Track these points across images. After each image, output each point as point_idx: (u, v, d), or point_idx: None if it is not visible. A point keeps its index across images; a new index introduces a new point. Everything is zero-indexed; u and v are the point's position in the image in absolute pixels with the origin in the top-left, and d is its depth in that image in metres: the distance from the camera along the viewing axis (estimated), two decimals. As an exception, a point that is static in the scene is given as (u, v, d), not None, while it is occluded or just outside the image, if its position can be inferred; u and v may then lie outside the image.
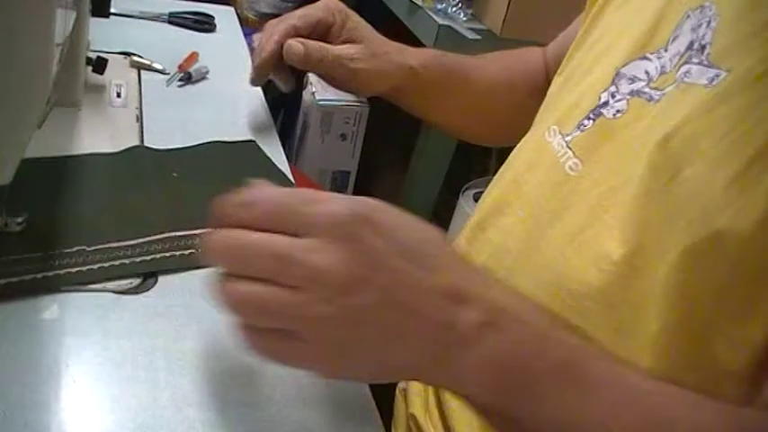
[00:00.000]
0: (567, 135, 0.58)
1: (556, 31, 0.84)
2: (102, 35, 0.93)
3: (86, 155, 0.74)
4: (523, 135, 0.69)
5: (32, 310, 0.56)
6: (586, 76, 0.60)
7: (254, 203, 0.40)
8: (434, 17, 1.44)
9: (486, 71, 0.87)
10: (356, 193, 1.83)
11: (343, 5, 0.83)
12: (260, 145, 0.83)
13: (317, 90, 1.71)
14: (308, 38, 0.81)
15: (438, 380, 0.43)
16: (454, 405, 0.62)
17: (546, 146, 0.60)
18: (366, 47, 0.81)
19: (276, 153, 0.83)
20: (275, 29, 0.82)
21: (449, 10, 1.45)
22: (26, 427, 0.47)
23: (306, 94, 1.76)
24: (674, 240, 0.48)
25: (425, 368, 0.41)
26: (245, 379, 0.55)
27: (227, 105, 0.93)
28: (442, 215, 1.62)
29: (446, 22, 1.43)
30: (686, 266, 0.47)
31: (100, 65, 0.85)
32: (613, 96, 0.56)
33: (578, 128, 0.58)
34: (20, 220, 0.61)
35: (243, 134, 0.84)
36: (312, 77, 1.77)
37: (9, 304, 0.55)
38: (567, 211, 0.56)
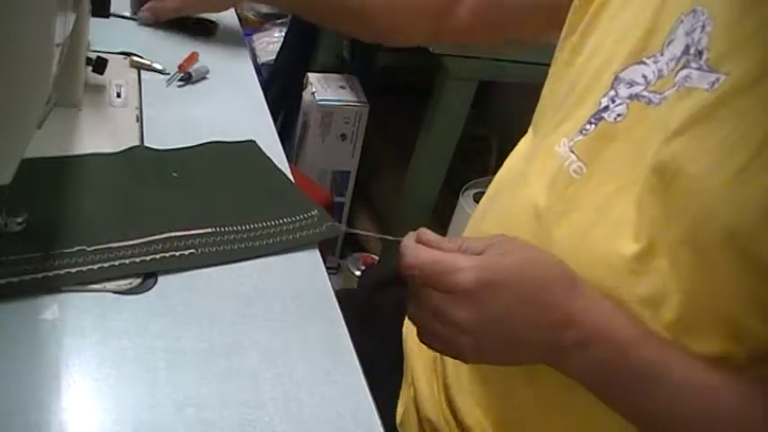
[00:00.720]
0: (571, 140, 0.59)
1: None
2: (102, 35, 0.93)
3: (86, 155, 0.74)
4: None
5: (32, 310, 0.56)
6: (589, 85, 0.61)
7: (414, 267, 0.55)
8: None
9: None
10: (356, 192, 1.83)
11: None
12: (260, 145, 0.83)
13: (317, 90, 1.71)
14: None
15: (555, 368, 0.55)
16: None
17: (554, 154, 0.61)
18: None
19: (276, 153, 0.83)
20: None
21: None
22: (26, 427, 0.47)
23: (306, 94, 1.76)
24: (680, 237, 0.50)
25: (545, 361, 0.55)
26: (245, 379, 0.55)
27: (227, 105, 0.93)
28: (442, 215, 1.62)
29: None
30: (693, 263, 0.49)
31: (100, 65, 0.85)
32: (613, 101, 0.57)
33: (581, 132, 0.59)
34: (20, 220, 0.61)
35: (243, 134, 0.84)
36: (312, 77, 1.77)
37: (9, 304, 0.55)
38: (573, 212, 0.57)
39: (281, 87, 1.93)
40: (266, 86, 1.64)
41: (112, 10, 0.84)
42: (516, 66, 1.40)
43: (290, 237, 0.69)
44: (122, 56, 0.96)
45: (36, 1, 0.42)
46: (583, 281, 0.54)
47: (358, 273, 1.71)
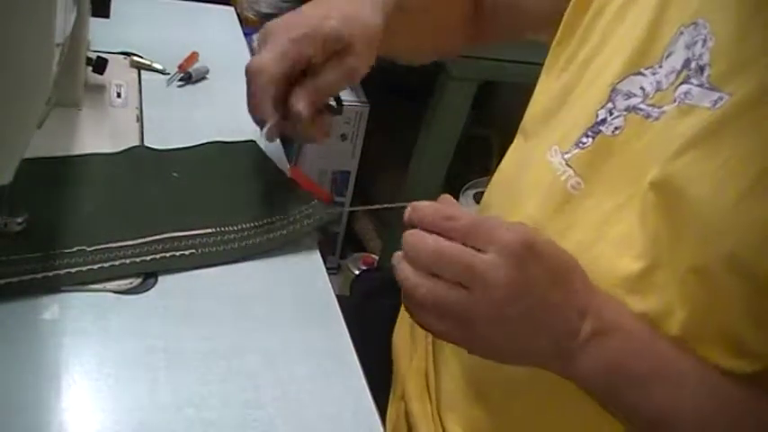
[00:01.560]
0: (566, 153, 0.58)
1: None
2: (102, 35, 0.93)
3: (86, 155, 0.74)
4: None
5: (32, 310, 0.56)
6: (584, 94, 0.60)
7: (456, 218, 0.50)
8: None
9: None
10: (356, 193, 1.83)
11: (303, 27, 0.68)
12: (260, 145, 0.83)
13: (317, 90, 1.72)
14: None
15: (559, 371, 0.53)
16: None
17: (547, 165, 0.60)
18: (350, 53, 0.67)
19: (276, 153, 0.83)
20: (261, 91, 0.67)
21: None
22: (26, 427, 0.47)
23: (306, 94, 1.76)
24: (684, 258, 0.50)
25: (550, 360, 0.52)
26: (245, 379, 0.55)
27: (227, 105, 0.93)
28: (442, 215, 1.61)
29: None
30: (695, 282, 0.49)
31: (100, 65, 0.85)
32: (611, 113, 0.56)
33: (577, 145, 0.58)
34: (20, 220, 0.61)
35: (243, 134, 0.84)
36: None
37: (9, 304, 0.55)
38: (571, 230, 0.57)
39: (281, 87, 1.93)
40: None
41: (112, 10, 0.83)
42: (516, 66, 1.40)
43: (291, 228, 0.69)
44: (122, 56, 0.96)
45: (36, 1, 0.42)
46: None
47: (358, 272, 1.71)
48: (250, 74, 0.66)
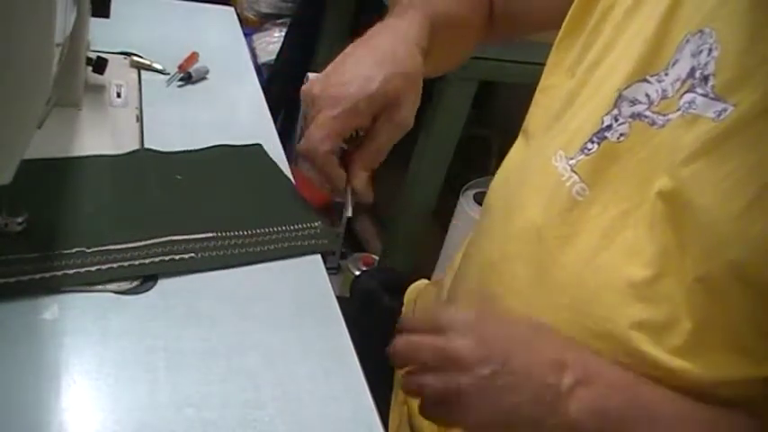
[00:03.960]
0: (571, 158, 0.58)
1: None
2: (102, 35, 0.93)
3: (89, 156, 0.74)
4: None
5: (32, 310, 0.56)
6: (590, 99, 0.60)
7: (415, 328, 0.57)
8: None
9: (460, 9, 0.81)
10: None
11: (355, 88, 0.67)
12: (266, 150, 0.83)
13: (317, 90, 1.72)
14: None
15: (551, 428, 0.53)
16: None
17: (552, 170, 0.60)
18: (397, 107, 0.69)
19: (276, 153, 0.83)
20: (326, 168, 0.68)
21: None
22: (26, 427, 0.47)
23: (306, 94, 1.76)
24: (691, 268, 0.50)
25: (533, 419, 0.52)
26: (245, 379, 0.55)
27: (228, 105, 0.93)
28: (442, 215, 1.62)
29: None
30: (702, 291, 0.49)
31: (100, 65, 0.85)
32: (616, 120, 0.56)
33: (582, 151, 0.58)
34: (20, 220, 0.61)
35: (243, 134, 0.84)
36: (312, 77, 1.78)
37: (9, 304, 0.55)
38: (578, 236, 0.56)
39: (281, 87, 1.93)
40: (266, 86, 1.64)
41: (112, 10, 0.83)
42: (516, 66, 1.40)
43: (291, 244, 0.69)
44: (122, 56, 0.96)
45: (36, 1, 0.42)
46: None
47: (358, 273, 1.71)
48: (305, 157, 0.68)
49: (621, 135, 0.56)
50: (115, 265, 0.61)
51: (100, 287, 0.59)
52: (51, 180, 0.69)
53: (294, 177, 0.80)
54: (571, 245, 0.56)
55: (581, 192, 0.57)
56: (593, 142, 0.57)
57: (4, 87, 0.42)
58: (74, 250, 0.61)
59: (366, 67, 0.67)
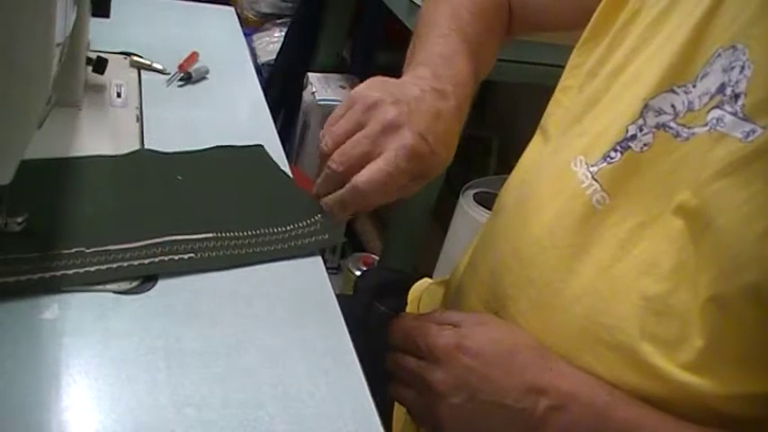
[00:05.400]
0: (593, 165, 0.58)
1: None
2: (102, 35, 0.93)
3: (89, 156, 0.74)
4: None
5: (32, 310, 0.56)
6: (614, 104, 0.59)
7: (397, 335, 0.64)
8: (434, 17, 1.44)
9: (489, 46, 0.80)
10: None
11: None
12: (267, 150, 0.82)
13: (317, 90, 1.71)
14: None
15: None
16: None
17: (571, 175, 0.59)
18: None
19: (276, 153, 0.83)
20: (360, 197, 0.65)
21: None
22: (26, 427, 0.47)
23: (306, 94, 1.76)
24: (706, 286, 0.50)
25: None
26: (245, 379, 0.55)
27: (228, 105, 0.93)
28: (442, 215, 1.62)
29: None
30: (715, 310, 0.49)
31: (100, 65, 0.85)
32: (641, 129, 0.56)
33: (605, 159, 0.57)
34: (20, 220, 0.61)
35: (243, 134, 0.84)
36: (312, 77, 1.78)
37: (9, 304, 0.55)
38: (594, 246, 0.56)
39: (281, 87, 1.93)
40: (266, 86, 1.64)
41: (112, 10, 0.83)
42: (516, 66, 1.40)
43: (293, 243, 0.69)
44: (122, 56, 0.96)
45: (36, 1, 0.42)
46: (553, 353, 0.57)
47: (358, 273, 1.71)
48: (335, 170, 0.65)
49: (645, 145, 0.55)
50: (115, 265, 0.61)
51: (100, 287, 0.59)
52: (51, 180, 0.69)
53: (294, 177, 0.80)
54: (587, 254, 0.56)
55: (601, 201, 0.57)
56: (616, 151, 0.57)
57: (4, 87, 0.42)
58: (74, 250, 0.61)
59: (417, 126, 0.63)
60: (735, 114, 0.51)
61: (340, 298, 0.65)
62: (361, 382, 0.57)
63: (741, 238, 0.48)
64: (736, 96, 0.51)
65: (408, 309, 0.82)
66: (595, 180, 0.57)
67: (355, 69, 1.87)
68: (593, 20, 0.65)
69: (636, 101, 0.57)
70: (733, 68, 0.52)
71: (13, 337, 0.53)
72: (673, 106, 0.55)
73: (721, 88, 0.52)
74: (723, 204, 0.50)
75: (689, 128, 0.53)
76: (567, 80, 0.68)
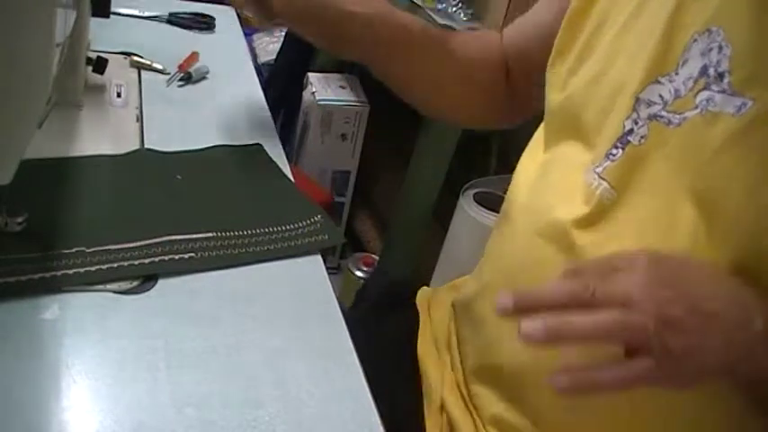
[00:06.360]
0: (598, 166, 0.59)
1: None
2: (102, 35, 0.93)
3: (89, 156, 0.74)
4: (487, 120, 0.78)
5: (32, 310, 0.56)
6: (604, 106, 0.60)
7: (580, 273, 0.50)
8: (434, 17, 1.44)
9: (467, 47, 0.81)
10: (356, 192, 1.83)
11: None
12: (266, 149, 0.83)
13: (317, 90, 1.71)
14: None
15: (741, 369, 0.50)
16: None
17: (576, 179, 0.60)
18: None
19: (276, 153, 0.83)
20: None
21: (449, 10, 1.46)
22: (26, 427, 0.47)
23: (306, 94, 1.76)
24: (722, 261, 0.51)
25: (733, 362, 0.49)
26: (245, 379, 0.55)
27: (228, 105, 0.93)
28: (442, 215, 1.62)
29: (446, 22, 1.43)
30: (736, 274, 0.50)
31: (100, 65, 0.85)
32: (636, 123, 0.57)
33: (607, 158, 0.58)
34: (20, 220, 0.61)
35: (243, 134, 0.85)
36: (312, 77, 1.77)
37: (9, 304, 0.55)
38: (609, 241, 0.57)
39: (281, 87, 1.93)
40: (266, 86, 1.64)
41: (113, 9, 0.83)
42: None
43: (292, 243, 0.69)
44: (122, 56, 0.96)
45: (37, 1, 0.42)
46: None
47: (358, 273, 1.71)
48: None
49: (642, 137, 0.57)
50: (115, 265, 0.61)
51: (100, 287, 0.59)
52: (51, 180, 0.69)
53: (294, 177, 0.80)
54: (605, 249, 0.56)
55: (611, 197, 0.57)
56: (617, 147, 0.58)
57: (5, 87, 0.42)
58: (74, 250, 0.61)
59: None
60: (724, 92, 0.52)
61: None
62: (361, 382, 0.57)
63: (751, 210, 0.49)
64: (721, 75, 0.53)
65: (421, 318, 0.80)
66: (603, 179, 0.58)
67: (355, 69, 1.86)
68: (556, 43, 0.66)
69: (626, 98, 0.58)
70: (711, 50, 0.54)
71: (14, 337, 0.53)
72: (660, 96, 0.56)
73: (704, 70, 0.54)
74: (727, 181, 0.51)
75: (679, 113, 0.55)
76: (552, 94, 0.68)
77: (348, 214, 1.86)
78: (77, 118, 0.81)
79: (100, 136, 0.79)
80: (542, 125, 0.70)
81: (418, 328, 0.77)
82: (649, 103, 0.57)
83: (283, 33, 2.06)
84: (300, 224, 0.71)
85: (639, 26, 0.59)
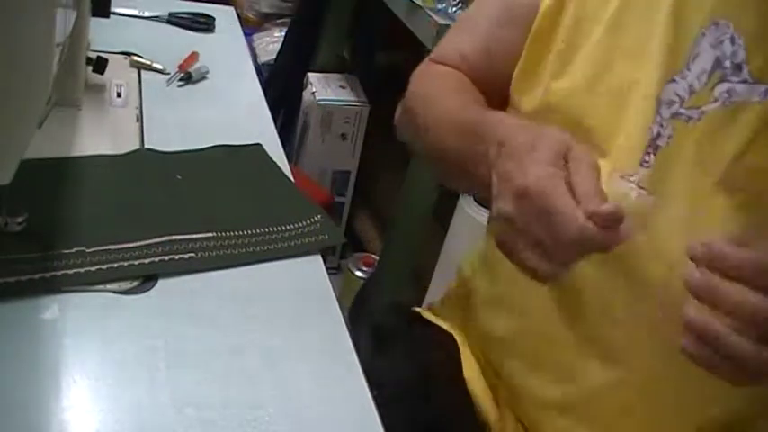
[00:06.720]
0: (632, 175, 0.58)
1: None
2: (102, 35, 0.93)
3: (89, 156, 0.74)
4: None
5: (32, 310, 0.55)
6: (621, 114, 0.59)
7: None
8: (434, 17, 1.44)
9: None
10: (356, 192, 1.83)
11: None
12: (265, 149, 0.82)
13: (317, 90, 1.71)
14: None
15: None
16: None
17: (610, 189, 0.57)
18: None
19: (276, 153, 0.83)
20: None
21: (449, 10, 1.45)
22: (26, 426, 0.47)
23: (306, 94, 1.76)
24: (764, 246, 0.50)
25: None
26: (245, 379, 0.55)
27: (228, 105, 0.93)
28: (442, 215, 1.61)
29: (446, 22, 1.42)
30: None
31: (100, 65, 0.85)
32: (662, 125, 0.57)
33: (642, 165, 0.58)
34: (20, 220, 0.61)
35: (243, 134, 0.84)
36: (312, 77, 1.77)
37: (9, 304, 0.55)
38: (663, 246, 0.56)
39: (281, 87, 1.93)
40: (266, 86, 1.64)
41: (113, 9, 0.83)
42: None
43: (292, 243, 0.69)
44: (122, 56, 0.96)
45: (37, 1, 0.42)
46: None
47: (359, 273, 1.71)
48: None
49: (669, 138, 0.57)
50: (115, 265, 0.61)
51: (100, 287, 0.59)
52: (51, 180, 0.69)
53: (294, 177, 0.80)
54: (654, 252, 0.56)
55: (653, 204, 0.57)
56: (648, 154, 0.58)
57: (5, 87, 0.42)
58: (74, 250, 0.61)
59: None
60: (745, 82, 0.53)
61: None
62: (362, 382, 0.57)
63: None
64: (738, 66, 0.54)
65: (448, 328, 0.77)
66: (642, 188, 0.58)
67: (355, 69, 1.86)
68: (530, 43, 0.64)
69: (646, 101, 0.58)
70: (722, 43, 0.54)
71: (14, 337, 0.53)
72: (677, 94, 0.57)
73: (717, 63, 0.55)
74: (760, 169, 0.52)
75: (697, 108, 0.55)
76: (526, 96, 0.66)
77: (348, 214, 1.86)
78: (77, 118, 0.81)
79: (100, 136, 0.78)
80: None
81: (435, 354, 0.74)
82: (669, 103, 0.57)
83: (283, 33, 2.06)
84: (300, 224, 0.71)
85: (631, 25, 0.59)
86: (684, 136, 0.56)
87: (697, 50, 0.55)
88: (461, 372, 0.72)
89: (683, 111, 0.56)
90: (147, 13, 1.10)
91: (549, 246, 0.47)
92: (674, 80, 0.57)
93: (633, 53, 0.59)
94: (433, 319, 0.78)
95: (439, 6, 1.46)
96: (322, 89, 1.73)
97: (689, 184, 0.56)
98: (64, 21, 0.51)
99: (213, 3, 1.20)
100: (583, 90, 0.61)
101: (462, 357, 0.73)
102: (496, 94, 0.70)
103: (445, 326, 0.76)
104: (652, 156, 0.58)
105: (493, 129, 0.56)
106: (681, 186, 0.56)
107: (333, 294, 0.65)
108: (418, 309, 0.82)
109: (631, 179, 0.58)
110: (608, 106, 0.59)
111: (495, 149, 0.53)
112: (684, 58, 0.56)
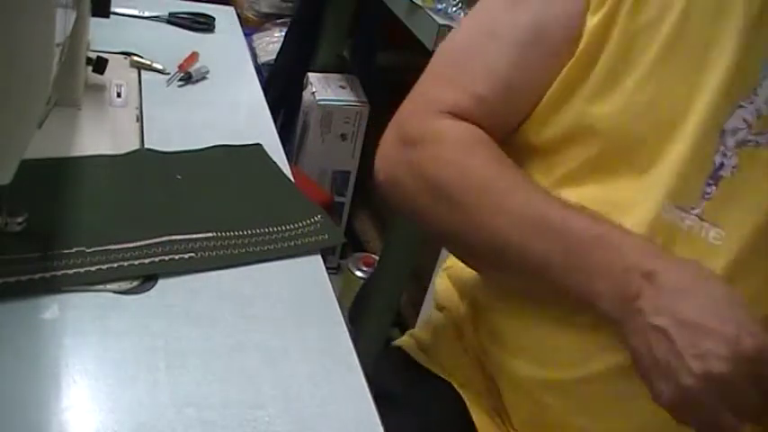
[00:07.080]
0: (694, 208, 0.57)
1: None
2: (102, 35, 0.93)
3: (88, 156, 0.74)
4: None
5: (32, 310, 0.56)
6: (666, 138, 0.57)
7: None
8: (434, 17, 1.44)
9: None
10: (356, 192, 1.83)
11: None
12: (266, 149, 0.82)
13: (317, 90, 1.71)
14: None
15: None
16: None
17: (668, 226, 0.57)
18: None
19: (276, 153, 0.83)
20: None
21: (449, 10, 1.45)
22: (26, 427, 0.47)
23: (306, 94, 1.76)
24: None
25: None
26: (245, 379, 0.55)
27: (227, 105, 0.93)
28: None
29: (446, 22, 1.42)
30: None
31: (100, 65, 0.85)
32: (725, 155, 0.56)
33: (703, 197, 0.57)
34: (20, 220, 0.61)
35: (243, 134, 0.84)
36: (312, 77, 1.77)
37: (9, 304, 0.55)
38: (737, 282, 0.56)
39: (281, 87, 1.93)
40: (266, 86, 1.64)
41: (113, 9, 0.83)
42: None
43: (292, 243, 0.69)
44: (122, 56, 0.96)
45: (36, 1, 0.42)
46: None
47: (359, 273, 1.71)
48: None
49: (734, 167, 0.56)
50: (115, 265, 0.61)
51: (100, 287, 0.59)
52: (51, 180, 0.69)
53: (294, 177, 0.80)
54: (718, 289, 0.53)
55: (717, 236, 0.57)
56: (710, 185, 0.57)
57: (5, 87, 0.42)
58: (74, 250, 0.61)
59: None
60: None
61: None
62: (362, 382, 0.57)
63: None
64: None
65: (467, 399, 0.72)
66: (704, 221, 0.57)
67: (355, 69, 1.86)
68: (561, 81, 0.61)
69: (710, 130, 0.56)
70: None
71: (14, 337, 0.53)
72: (744, 120, 0.56)
73: None
74: None
75: (764, 133, 0.55)
76: (548, 124, 0.63)
77: (348, 214, 1.86)
78: (77, 118, 0.81)
79: (100, 136, 0.78)
80: (537, 157, 0.65)
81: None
82: (734, 131, 0.56)
83: (283, 33, 2.06)
84: (300, 224, 0.71)
85: (687, 51, 0.56)
86: (753, 163, 0.55)
87: (764, 74, 0.55)
88: (473, 425, 0.69)
89: (750, 137, 0.56)
90: (147, 13, 1.10)
91: (750, 407, 0.49)
92: (740, 106, 0.56)
93: (691, 75, 0.56)
94: (426, 363, 0.75)
95: (439, 6, 1.46)
96: (322, 89, 1.73)
97: (756, 208, 0.55)
98: (64, 21, 0.51)
99: (213, 3, 1.20)
100: (632, 114, 0.58)
101: (472, 413, 0.70)
102: (503, 135, 0.64)
103: (444, 375, 0.73)
104: (713, 187, 0.57)
105: (617, 248, 0.53)
106: (748, 217, 0.56)
107: (333, 294, 0.65)
108: (407, 349, 0.77)
109: (693, 212, 0.57)
110: (657, 131, 0.57)
111: (639, 279, 0.51)
112: (753, 83, 0.55)
